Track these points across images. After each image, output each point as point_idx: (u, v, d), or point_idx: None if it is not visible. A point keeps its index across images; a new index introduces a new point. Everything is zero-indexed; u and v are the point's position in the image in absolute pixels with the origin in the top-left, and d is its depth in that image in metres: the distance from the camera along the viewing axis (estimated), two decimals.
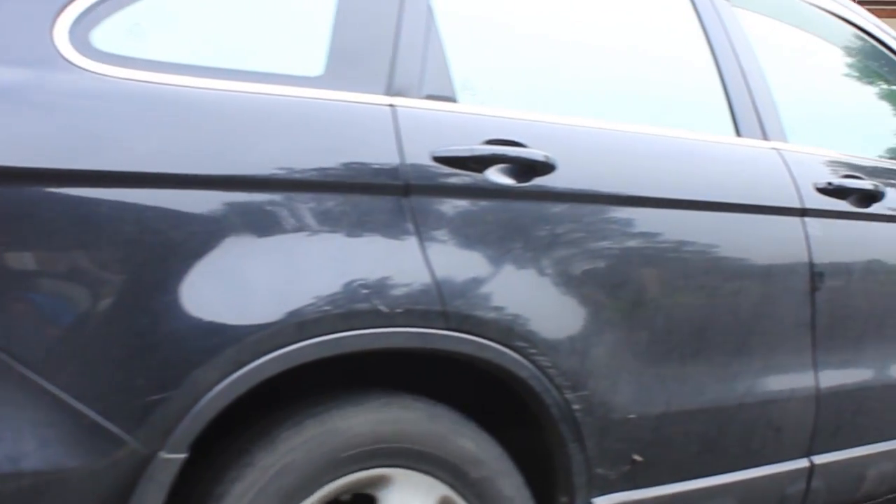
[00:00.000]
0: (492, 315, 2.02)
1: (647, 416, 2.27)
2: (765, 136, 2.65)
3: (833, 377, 2.65)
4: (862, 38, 3.28)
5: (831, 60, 3.34)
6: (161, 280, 1.73)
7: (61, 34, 1.75)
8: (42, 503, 1.65)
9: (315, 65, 2.02)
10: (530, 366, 2.06)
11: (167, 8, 1.97)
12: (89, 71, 1.75)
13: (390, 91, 2.04)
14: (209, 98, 1.84)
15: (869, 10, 10.00)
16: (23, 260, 1.66)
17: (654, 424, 2.29)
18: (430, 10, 2.16)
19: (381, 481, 1.93)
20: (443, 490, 1.98)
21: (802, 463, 2.61)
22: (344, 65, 2.04)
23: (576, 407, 2.13)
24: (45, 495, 1.65)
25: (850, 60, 3.40)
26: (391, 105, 2.02)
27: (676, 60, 2.69)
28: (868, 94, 3.46)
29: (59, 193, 1.66)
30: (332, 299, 1.85)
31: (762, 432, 2.51)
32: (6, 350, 1.61)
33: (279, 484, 1.81)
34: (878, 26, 3.29)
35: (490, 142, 2.09)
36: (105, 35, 1.81)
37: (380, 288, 1.90)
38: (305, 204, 1.87)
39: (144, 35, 1.91)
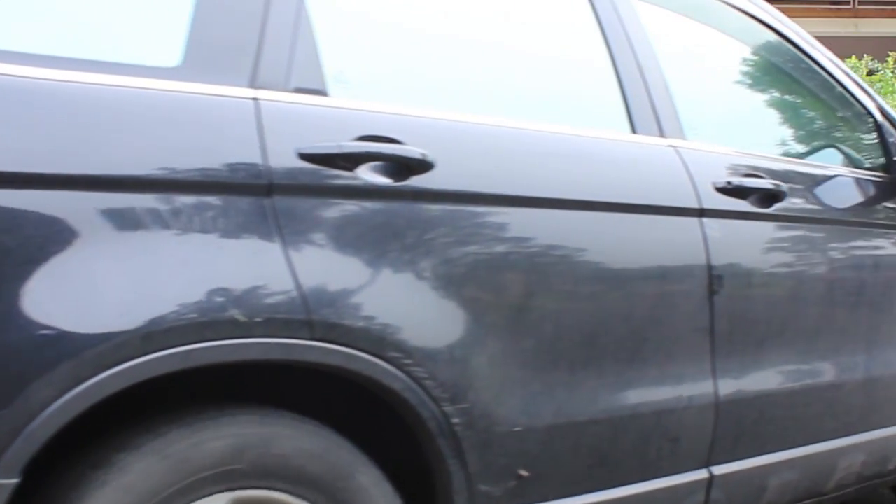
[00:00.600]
0: (362, 324, 1.91)
1: (533, 429, 2.18)
2: (662, 134, 2.56)
3: (733, 384, 2.57)
4: (770, 37, 3.22)
5: (737, 58, 3.28)
6: None
7: None
8: None
9: (172, 54, 1.89)
10: (404, 377, 1.96)
11: None
12: None
13: (254, 83, 1.92)
14: (51, 90, 1.70)
15: (869, 10, 10.03)
16: None
17: (541, 437, 2.19)
18: None
19: None
20: (225, 497, 1.79)
21: (701, 474, 2.53)
22: (204, 55, 1.91)
23: (455, 420, 2.03)
24: None
25: (757, 59, 3.34)
26: (254, 98, 1.90)
27: (568, 53, 2.59)
28: (774, 94, 3.41)
29: None
30: (183, 308, 1.72)
31: (658, 443, 2.42)
32: None
33: None
34: (786, 24, 3.24)
35: (362, 138, 1.99)
36: None
37: (237, 295, 1.78)
38: (156, 205, 1.75)
39: None
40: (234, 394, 1.90)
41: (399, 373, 1.95)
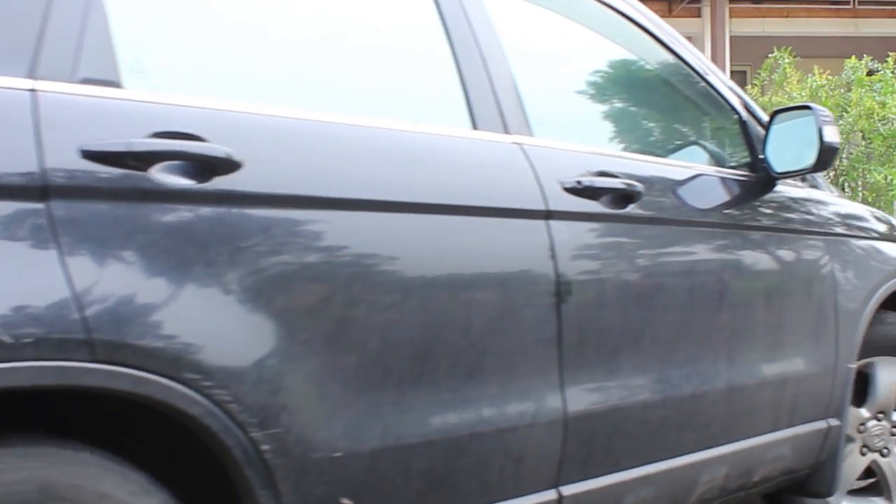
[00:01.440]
0: (154, 343, 1.72)
1: (357, 454, 2.01)
2: (506, 130, 2.42)
3: (583, 398, 2.44)
4: (634, 32, 3.10)
5: (597, 53, 3.16)
6: None
7: None
8: None
9: None
10: (204, 401, 1.78)
11: None
12: None
13: (34, 73, 1.72)
14: None
15: (869, 10, 10.22)
16: None
17: (366, 462, 2.03)
18: None
19: None
20: None
21: (549, 495, 2.38)
22: None
23: (265, 447, 1.86)
24: None
25: (619, 54, 3.22)
26: (31, 90, 1.71)
27: (402, 42, 2.44)
28: (636, 90, 3.30)
29: None
30: None
31: (500, 464, 2.28)
32: None
33: None
34: (649, 19, 3.12)
35: (159, 135, 1.80)
36: None
37: (2, 313, 1.59)
38: None
39: None
40: None
41: (198, 396, 1.77)
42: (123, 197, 1.75)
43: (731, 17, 13.57)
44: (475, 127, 2.38)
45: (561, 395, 2.38)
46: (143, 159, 1.77)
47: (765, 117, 3.25)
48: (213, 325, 1.82)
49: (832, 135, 3.08)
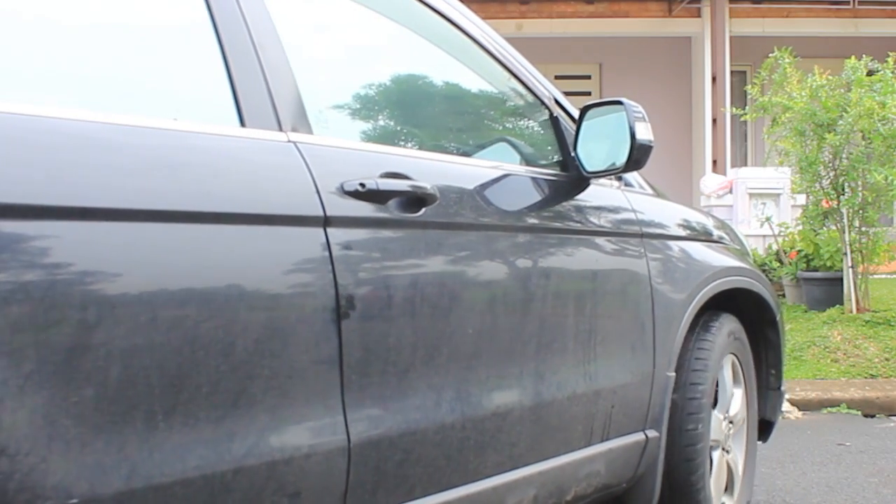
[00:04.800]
0: None
1: (97, 499, 1.79)
2: (280, 127, 2.24)
3: (370, 423, 2.27)
4: (437, 21, 2.93)
5: (396, 44, 3.00)
6: None
7: None
8: None
9: None
10: None
11: None
12: None
13: None
14: None
15: (869, 10, 10.30)
16: None
17: None
18: None
19: None
20: None
21: None
22: None
23: None
24: None
25: (420, 45, 3.05)
26: None
27: (156, 24, 2.22)
28: (439, 84, 3.15)
29: None
30: None
31: (273, 500, 2.09)
32: None
33: None
34: (455, 8, 2.98)
35: None
36: None
37: None
38: None
39: None
40: None
41: None
42: None
43: (731, 17, 13.74)
44: (243, 124, 2.19)
45: (343, 419, 2.22)
46: None
47: (577, 113, 3.13)
48: None
49: (644, 132, 2.99)
